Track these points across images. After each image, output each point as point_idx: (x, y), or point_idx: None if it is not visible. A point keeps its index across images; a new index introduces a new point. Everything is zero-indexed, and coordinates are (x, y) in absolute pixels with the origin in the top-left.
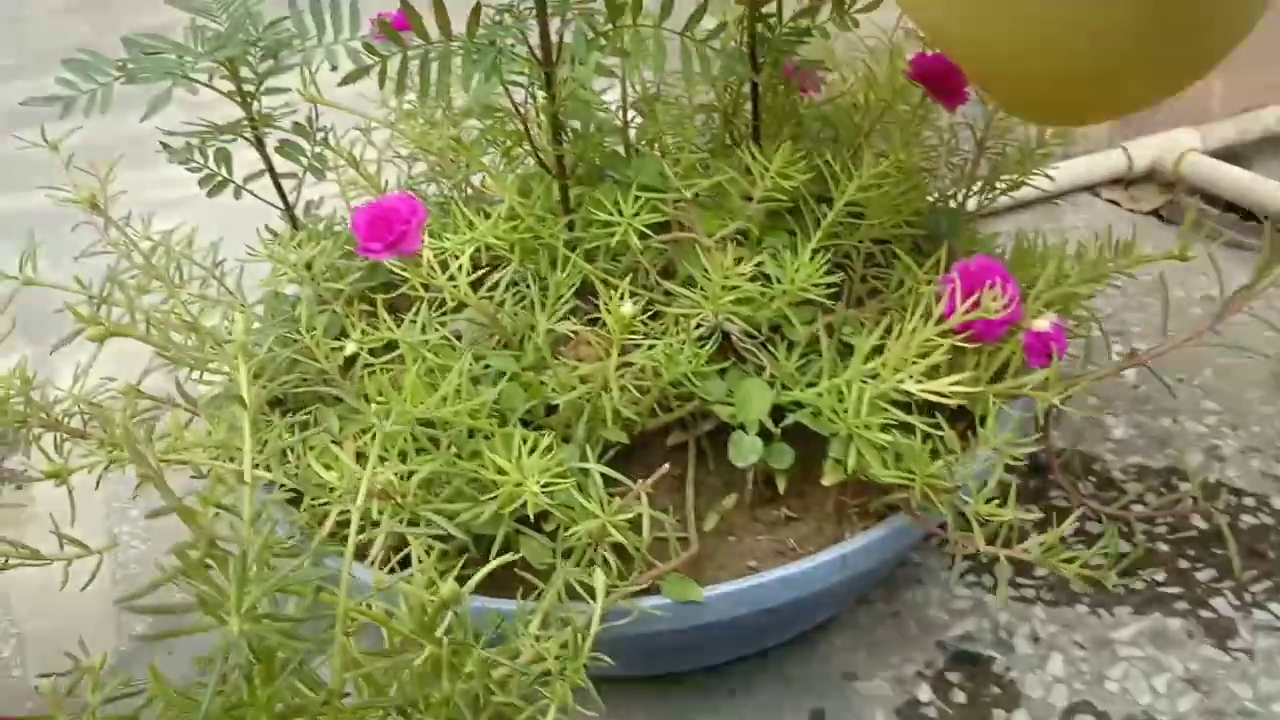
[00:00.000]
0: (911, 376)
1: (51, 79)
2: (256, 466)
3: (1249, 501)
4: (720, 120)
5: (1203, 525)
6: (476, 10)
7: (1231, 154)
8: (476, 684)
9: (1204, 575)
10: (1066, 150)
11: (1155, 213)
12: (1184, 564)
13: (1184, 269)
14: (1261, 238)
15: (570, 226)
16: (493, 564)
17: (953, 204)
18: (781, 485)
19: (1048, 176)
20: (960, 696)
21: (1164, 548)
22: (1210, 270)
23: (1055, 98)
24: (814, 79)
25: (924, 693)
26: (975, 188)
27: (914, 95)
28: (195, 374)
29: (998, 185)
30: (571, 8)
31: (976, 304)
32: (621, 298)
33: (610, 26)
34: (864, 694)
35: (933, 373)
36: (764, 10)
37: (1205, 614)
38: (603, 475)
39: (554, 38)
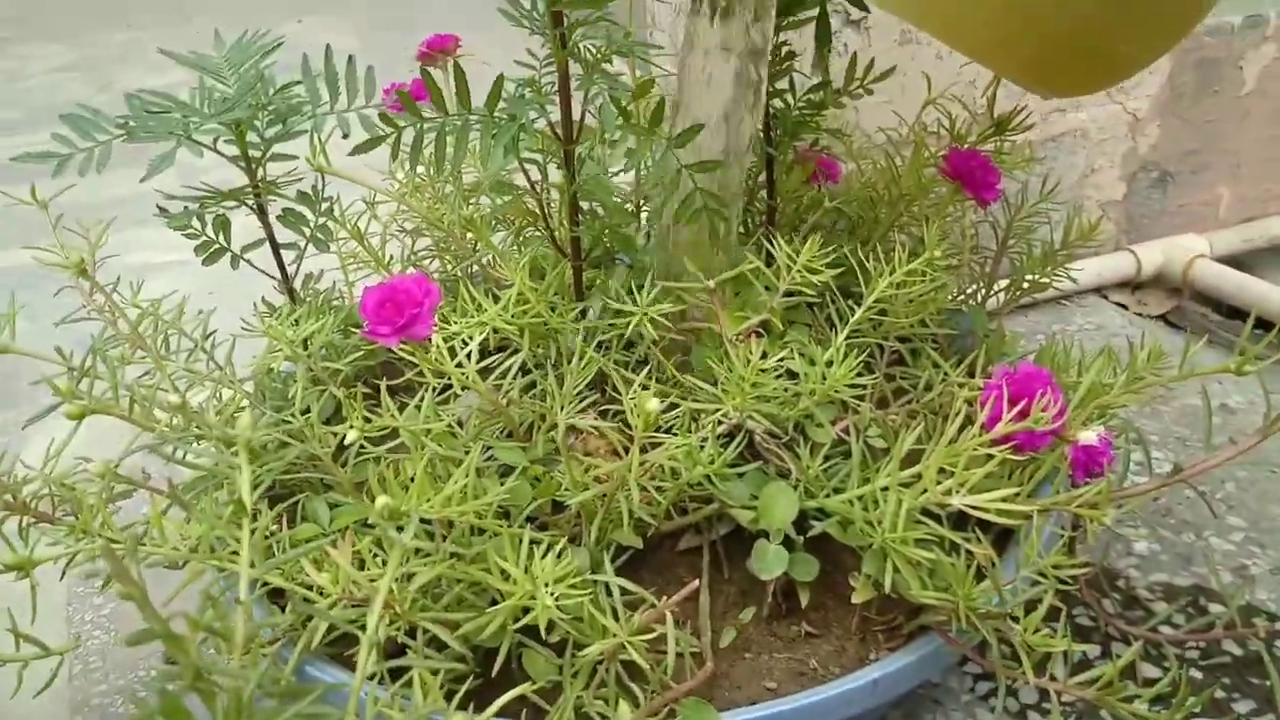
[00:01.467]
0: (958, 489)
1: (48, 135)
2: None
3: None
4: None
5: (1237, 651)
6: (498, 83)
7: (1237, 261)
8: None
9: (1243, 707)
10: (1077, 253)
11: (1163, 317)
12: (1220, 693)
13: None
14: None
15: (582, 313)
16: (506, 697)
17: (973, 302)
18: (804, 599)
19: (1071, 279)
20: None
21: (1197, 674)
22: (1225, 378)
23: (1063, 60)
24: (832, 168)
25: None
26: (998, 286)
27: (938, 189)
28: (178, 454)
29: (1023, 285)
30: (598, 84)
31: (1023, 413)
32: (644, 395)
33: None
34: None
35: (977, 485)
36: (778, 86)
37: None
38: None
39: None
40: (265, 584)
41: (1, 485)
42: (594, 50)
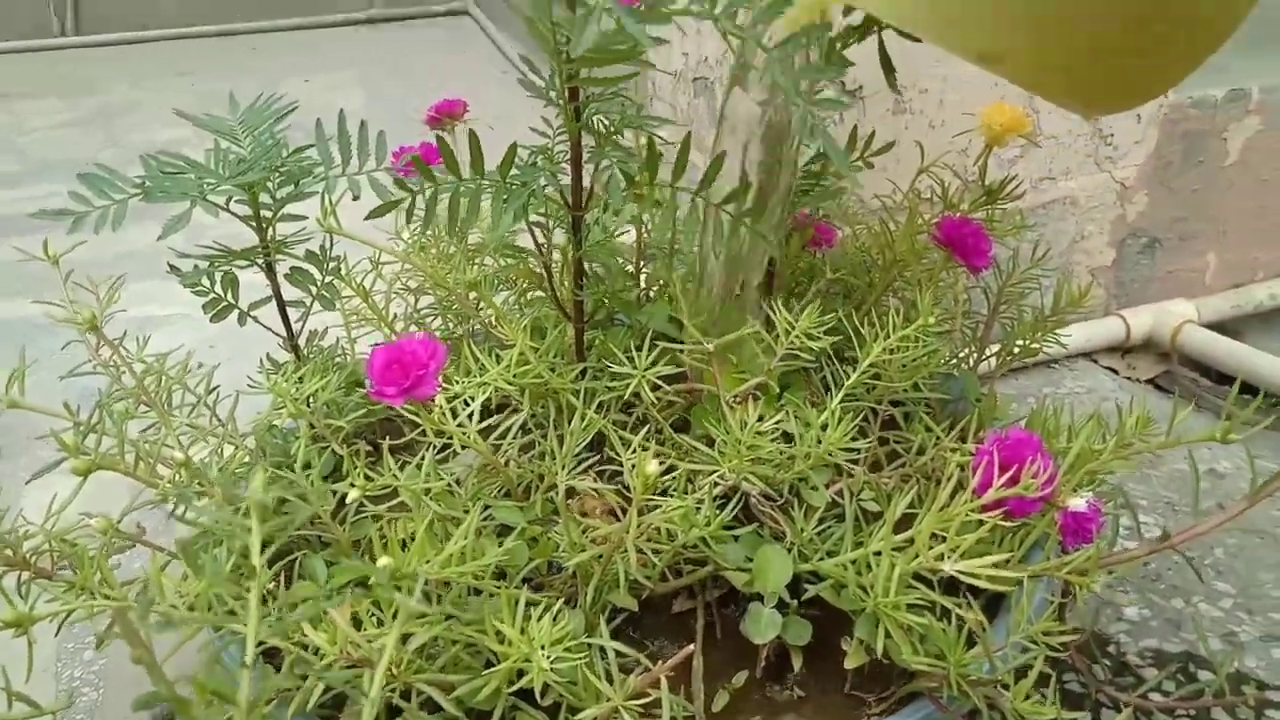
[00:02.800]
0: (949, 555)
1: (50, 189)
2: (234, 615)
3: (1274, 696)
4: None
5: (1227, 719)
6: (512, 151)
7: (1224, 327)
8: None
9: None
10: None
11: (1152, 381)
12: None
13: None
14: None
15: (582, 374)
16: None
17: (965, 366)
18: (797, 663)
19: (1060, 344)
20: None
21: None
22: (1213, 443)
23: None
24: (828, 234)
25: None
26: (989, 350)
27: (931, 255)
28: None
29: (1014, 350)
30: (609, 155)
31: (1013, 479)
32: (644, 457)
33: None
34: None
35: (969, 550)
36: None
37: None
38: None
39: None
40: (261, 643)
41: (1, 541)
42: (605, 123)
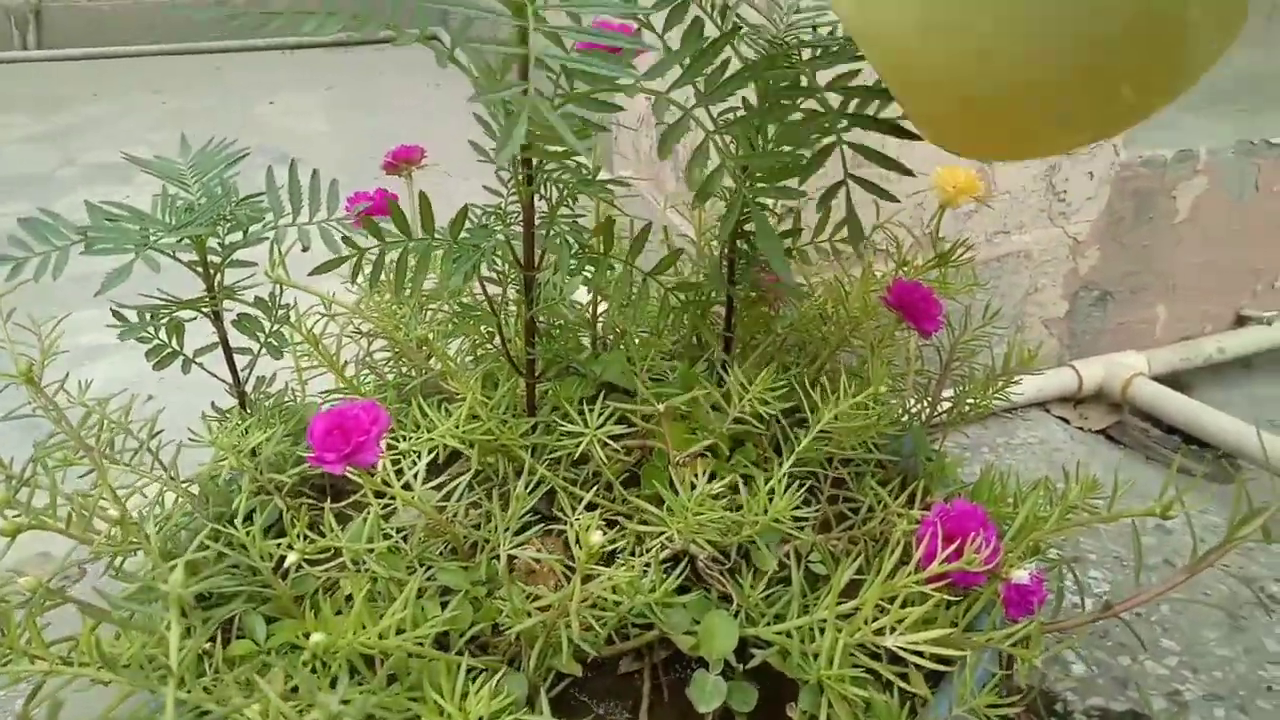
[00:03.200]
0: (892, 629)
1: (8, 208)
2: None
3: None
4: (689, 322)
5: None
6: (463, 213)
7: (1174, 378)
8: None
9: None
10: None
11: (1103, 431)
12: None
13: (1131, 494)
14: (1202, 462)
15: (533, 429)
16: None
17: (916, 422)
18: None
19: (1010, 402)
20: None
21: None
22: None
23: (1038, 119)
24: (784, 296)
25: None
26: (941, 405)
27: (882, 315)
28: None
29: (965, 407)
30: (558, 222)
31: (958, 552)
32: (587, 526)
33: (591, 242)
34: None
35: (915, 624)
36: (745, 228)
37: None
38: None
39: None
40: (195, 707)
41: None
42: (559, 186)
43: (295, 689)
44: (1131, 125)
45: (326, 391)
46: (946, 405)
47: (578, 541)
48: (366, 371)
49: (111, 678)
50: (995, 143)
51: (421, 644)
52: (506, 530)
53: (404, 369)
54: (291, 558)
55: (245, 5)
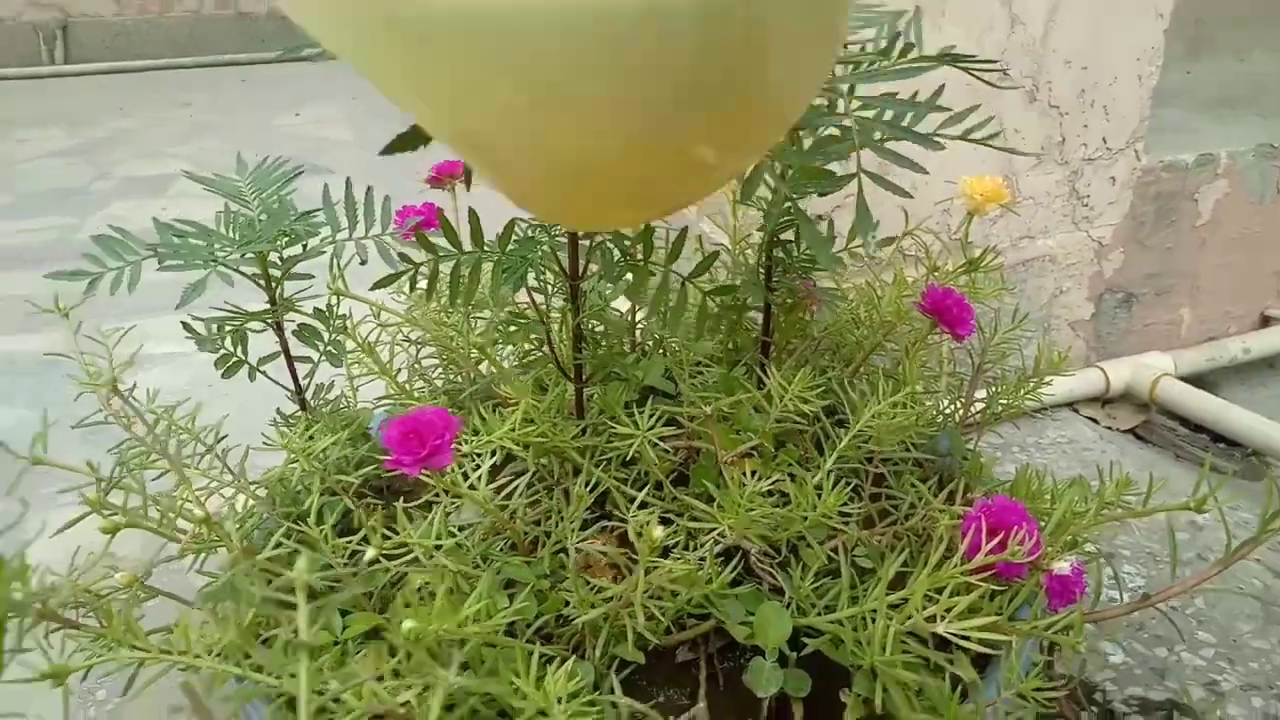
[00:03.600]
0: (941, 617)
1: (50, 221)
2: (256, 668)
3: None
4: (725, 328)
5: None
6: (510, 226)
7: (1200, 379)
8: None
9: None
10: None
11: (1132, 431)
12: None
13: (1162, 491)
14: (1232, 460)
15: (583, 431)
16: None
17: (951, 423)
18: (798, 714)
19: (1039, 402)
20: None
21: None
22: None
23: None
24: (821, 300)
25: None
26: (973, 409)
27: (915, 319)
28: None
29: (998, 408)
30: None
31: (1001, 545)
32: (649, 520)
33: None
34: None
35: (963, 613)
36: (782, 236)
37: None
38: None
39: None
40: (282, 693)
41: (35, 596)
42: None
43: (396, 673)
44: (725, 182)
45: (380, 398)
46: (979, 406)
47: (639, 534)
48: (417, 378)
49: (208, 664)
50: (580, 214)
51: (496, 632)
52: (571, 524)
53: (452, 375)
54: (370, 553)
55: (266, 17)
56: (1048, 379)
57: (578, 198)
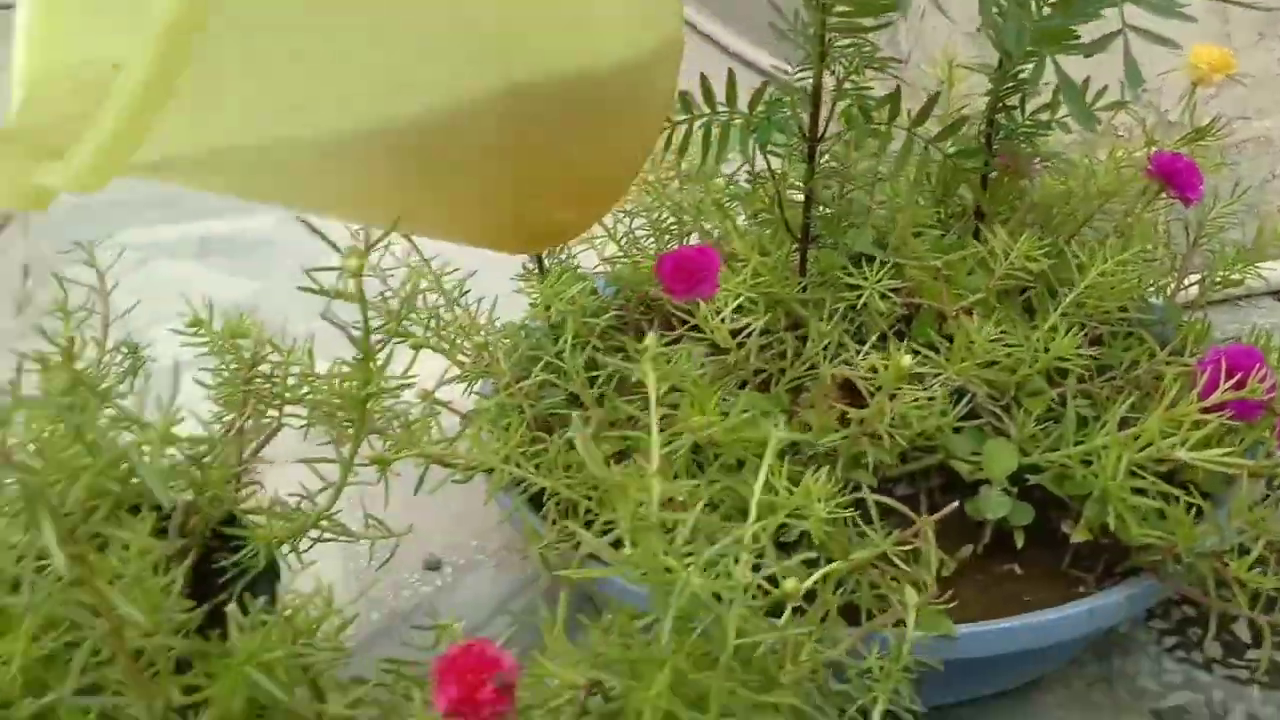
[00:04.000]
0: (1183, 444)
1: None
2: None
3: None
4: (932, 199)
5: None
6: (763, 87)
7: None
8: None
9: None
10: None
11: None
12: None
13: None
14: None
15: (804, 289)
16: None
17: (1165, 295)
18: (1020, 541)
19: (1262, 277)
20: None
21: None
22: None
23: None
24: (1034, 166)
25: None
26: (1188, 281)
27: (1133, 187)
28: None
29: (1217, 280)
30: (849, 96)
31: (1239, 384)
32: (898, 349)
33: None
34: None
35: (1199, 444)
36: (1006, 102)
37: None
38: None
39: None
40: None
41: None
42: (845, 63)
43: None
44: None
45: (606, 259)
46: (1194, 280)
47: (884, 366)
48: (632, 248)
49: (496, 464)
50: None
51: (748, 446)
52: (805, 363)
53: (666, 241)
54: (649, 340)
55: None
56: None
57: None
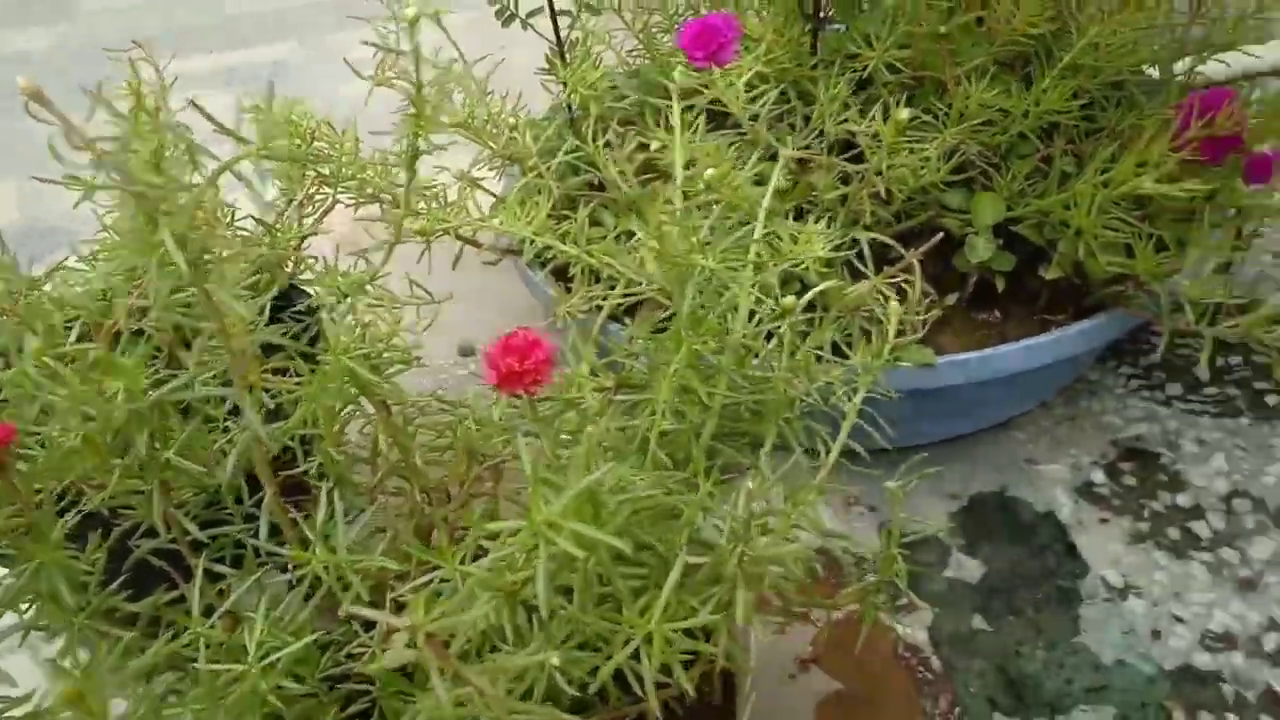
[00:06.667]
0: (1152, 178)
1: None
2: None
3: None
4: None
5: None
6: None
7: None
8: None
9: None
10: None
11: None
12: None
13: None
14: None
15: (814, 66)
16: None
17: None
18: (1000, 285)
19: (1255, 56)
20: (1130, 481)
21: None
22: None
23: None
24: None
25: (1098, 477)
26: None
27: None
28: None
29: (1212, 45)
30: None
31: (1209, 124)
32: (899, 103)
33: None
34: (1045, 476)
35: (1164, 179)
36: None
37: None
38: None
39: None
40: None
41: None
42: None
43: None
44: None
45: (627, 51)
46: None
47: (884, 120)
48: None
49: (528, 233)
50: None
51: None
52: (828, 117)
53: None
54: (654, 145)
55: None
56: (1273, 12)
57: None
